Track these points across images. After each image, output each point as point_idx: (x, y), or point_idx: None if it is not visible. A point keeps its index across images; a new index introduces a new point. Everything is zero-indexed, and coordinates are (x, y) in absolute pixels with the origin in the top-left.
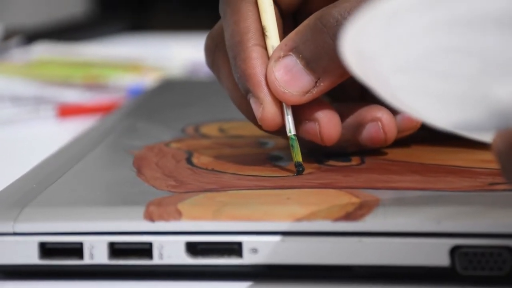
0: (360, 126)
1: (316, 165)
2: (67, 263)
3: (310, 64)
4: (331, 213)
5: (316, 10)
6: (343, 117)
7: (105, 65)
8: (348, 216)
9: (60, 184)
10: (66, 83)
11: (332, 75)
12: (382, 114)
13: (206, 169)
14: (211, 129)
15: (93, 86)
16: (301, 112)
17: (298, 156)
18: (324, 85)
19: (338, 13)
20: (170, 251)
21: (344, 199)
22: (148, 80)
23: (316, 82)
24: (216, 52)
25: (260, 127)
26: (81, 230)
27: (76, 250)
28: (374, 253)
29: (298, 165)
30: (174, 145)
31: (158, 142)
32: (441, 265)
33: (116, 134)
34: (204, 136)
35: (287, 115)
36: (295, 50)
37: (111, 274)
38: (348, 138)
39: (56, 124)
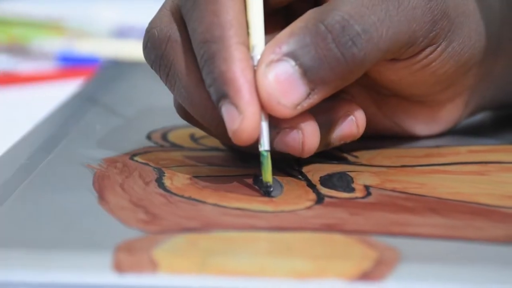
0: (332, 122)
1: (313, 196)
2: None
3: (309, 73)
4: (345, 270)
5: (308, 8)
6: (316, 115)
7: (25, 24)
8: (366, 276)
9: (1, 217)
10: None
11: (328, 87)
12: (354, 109)
13: (182, 196)
14: (181, 137)
15: (17, 49)
16: (282, 119)
17: (268, 176)
18: (317, 98)
19: (342, 17)
20: None
21: (357, 250)
22: (78, 46)
23: (309, 94)
24: (169, 45)
25: (225, 139)
26: (30, 282)
27: None
28: None
29: (267, 186)
30: (140, 158)
31: (120, 153)
32: None
33: (69, 140)
34: (174, 146)
35: (264, 127)
36: (291, 55)
37: None
38: (321, 137)
39: None
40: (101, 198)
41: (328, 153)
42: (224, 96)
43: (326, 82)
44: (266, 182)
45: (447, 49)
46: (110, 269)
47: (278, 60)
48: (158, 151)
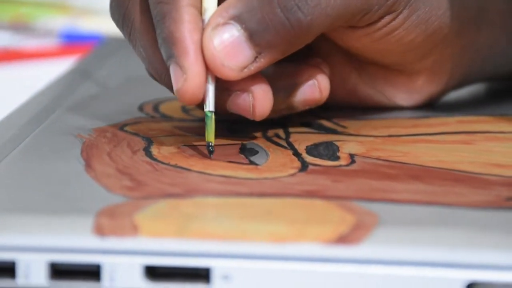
0: (294, 86)
1: (297, 163)
2: None
3: (254, 36)
4: (322, 234)
5: None
6: (276, 80)
7: (30, 3)
8: (342, 239)
9: None
10: None
11: (274, 52)
12: (317, 73)
13: (168, 164)
14: (172, 108)
15: (21, 27)
16: (231, 82)
17: (210, 136)
18: (263, 61)
19: None
20: (124, 274)
21: (336, 214)
22: (82, 24)
23: (256, 57)
24: (130, 4)
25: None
26: (14, 245)
27: (8, 269)
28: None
29: (209, 145)
30: (130, 128)
31: (111, 123)
32: None
33: (60, 111)
34: (165, 117)
35: (209, 89)
36: (237, 18)
37: None
38: (281, 101)
39: None
40: (88, 166)
41: (316, 123)
42: (171, 55)
43: (272, 46)
44: (209, 142)
45: (410, 17)
46: (91, 232)
47: (225, 24)
48: (148, 122)
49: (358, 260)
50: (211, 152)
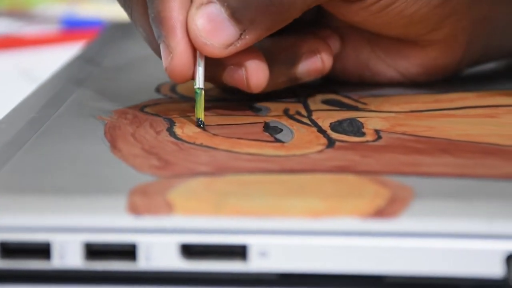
0: (296, 57)
1: (324, 140)
2: (31, 267)
3: (236, 14)
4: (358, 208)
5: None
6: (277, 52)
7: None
8: (379, 213)
9: (16, 164)
10: None
11: (259, 28)
12: (318, 44)
13: (194, 143)
14: (189, 89)
15: (20, 14)
16: (226, 57)
17: (200, 112)
18: (249, 38)
19: None
20: (159, 253)
21: (370, 188)
22: (80, 10)
23: (241, 34)
24: None
25: None
26: (48, 226)
27: (43, 251)
28: (411, 260)
29: (198, 121)
30: (150, 109)
31: (130, 105)
32: (493, 276)
33: (78, 95)
34: (183, 98)
35: (199, 66)
36: None
37: (86, 280)
38: (283, 72)
39: None
40: (114, 147)
41: (337, 100)
42: (160, 34)
43: (256, 23)
44: (198, 118)
45: None
46: (125, 212)
47: (208, 2)
48: (167, 103)
49: (397, 233)
50: (201, 128)
